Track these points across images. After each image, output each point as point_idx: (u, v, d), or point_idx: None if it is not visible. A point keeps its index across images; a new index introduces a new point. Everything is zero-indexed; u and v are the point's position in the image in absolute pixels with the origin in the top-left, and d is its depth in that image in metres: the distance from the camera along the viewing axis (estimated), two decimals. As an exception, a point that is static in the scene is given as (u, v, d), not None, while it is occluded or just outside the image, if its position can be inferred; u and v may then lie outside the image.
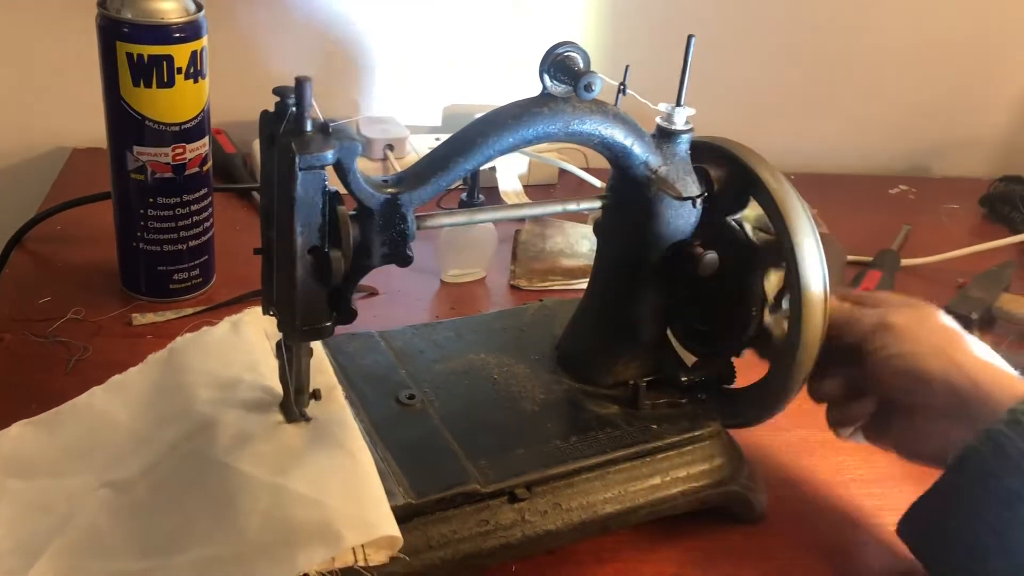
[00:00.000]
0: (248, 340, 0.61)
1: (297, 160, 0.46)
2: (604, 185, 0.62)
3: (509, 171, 0.99)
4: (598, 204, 0.60)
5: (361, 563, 0.48)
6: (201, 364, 0.59)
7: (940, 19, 1.14)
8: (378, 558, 0.49)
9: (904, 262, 0.95)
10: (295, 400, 0.54)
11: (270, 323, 0.60)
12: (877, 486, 0.66)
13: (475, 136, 0.52)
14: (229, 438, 0.53)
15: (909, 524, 0.56)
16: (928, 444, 0.56)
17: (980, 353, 0.56)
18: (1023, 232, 1.02)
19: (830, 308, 0.58)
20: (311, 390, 0.55)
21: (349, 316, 0.52)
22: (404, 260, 0.52)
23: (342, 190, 0.50)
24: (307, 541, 0.47)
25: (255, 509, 0.49)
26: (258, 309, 0.61)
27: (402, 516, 0.51)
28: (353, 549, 0.48)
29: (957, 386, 0.54)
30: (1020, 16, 1.16)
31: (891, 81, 1.17)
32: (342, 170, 0.48)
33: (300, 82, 0.46)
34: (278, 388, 0.56)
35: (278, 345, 0.54)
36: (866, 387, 0.60)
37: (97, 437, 0.57)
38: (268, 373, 0.58)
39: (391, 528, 0.49)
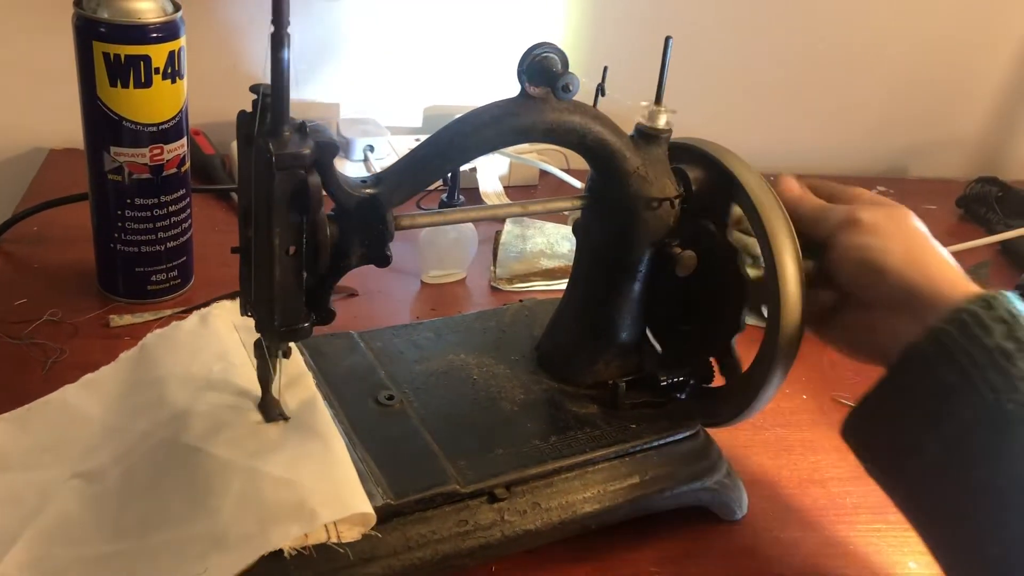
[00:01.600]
0: (217, 331, 0.61)
1: (274, 160, 0.46)
2: (584, 186, 0.62)
3: (490, 172, 1.00)
4: (578, 204, 0.60)
5: (334, 539, 0.49)
6: (172, 357, 0.60)
7: (917, 22, 1.15)
8: (351, 535, 0.49)
9: (882, 262, 0.96)
10: (269, 398, 0.54)
11: (238, 315, 0.61)
12: (854, 484, 0.67)
13: (453, 137, 0.52)
14: (202, 426, 0.54)
15: (852, 425, 0.55)
16: (877, 339, 0.55)
17: (942, 255, 0.56)
18: (999, 232, 1.04)
19: (802, 200, 0.58)
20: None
21: (327, 317, 0.52)
22: (383, 260, 0.52)
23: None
24: (281, 519, 0.48)
25: (229, 490, 0.49)
26: (226, 303, 0.63)
27: (381, 517, 0.51)
28: (326, 526, 0.48)
29: (911, 282, 0.53)
30: (996, 19, 1.18)
31: (869, 83, 1.18)
32: (320, 170, 0.48)
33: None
34: (247, 376, 0.57)
35: (256, 345, 0.54)
36: (826, 279, 0.59)
37: (69, 431, 0.57)
38: (237, 361, 0.59)
39: (364, 506, 0.50)
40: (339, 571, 0.49)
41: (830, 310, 0.60)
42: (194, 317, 0.63)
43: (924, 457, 0.50)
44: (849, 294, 0.58)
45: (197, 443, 0.53)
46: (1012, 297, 0.50)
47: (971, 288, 0.52)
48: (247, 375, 0.57)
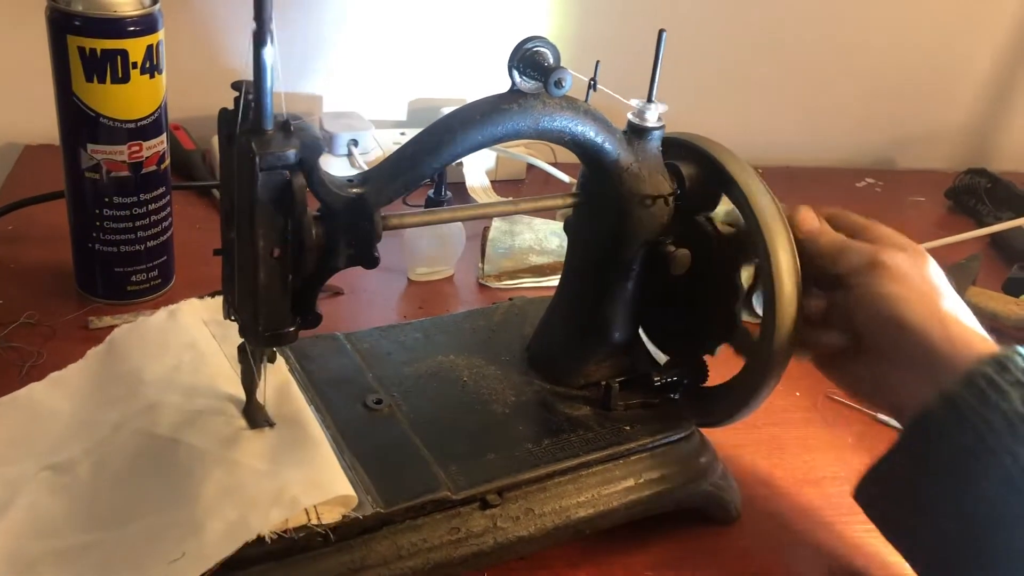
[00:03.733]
0: (185, 325, 0.61)
1: (258, 160, 0.44)
2: (572, 180, 0.61)
3: (477, 167, 0.98)
4: (569, 202, 0.59)
5: (314, 521, 0.48)
6: (141, 350, 0.59)
7: (904, 11, 1.15)
8: (331, 516, 0.49)
9: (872, 256, 0.95)
10: (254, 404, 0.53)
11: (207, 311, 0.62)
12: (849, 484, 0.65)
13: (443, 133, 0.51)
14: (177, 416, 0.53)
15: (865, 488, 0.54)
16: (885, 390, 0.55)
17: (961, 312, 0.55)
18: (989, 225, 1.03)
19: (820, 235, 0.57)
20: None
21: (314, 320, 0.50)
22: (371, 262, 0.50)
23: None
24: (262, 507, 0.47)
25: (208, 479, 0.49)
26: (195, 300, 0.63)
27: (371, 526, 0.50)
28: (306, 509, 0.48)
29: (932, 338, 0.52)
30: (983, 8, 1.17)
31: (856, 74, 1.17)
32: (305, 169, 0.47)
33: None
34: (217, 365, 0.56)
35: (239, 349, 0.52)
36: (842, 319, 0.57)
37: (37, 426, 0.56)
38: (208, 351, 0.58)
39: (344, 488, 0.49)
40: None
41: (839, 351, 0.58)
42: (162, 312, 0.62)
43: (941, 524, 0.50)
44: (862, 339, 0.56)
45: (173, 434, 0.52)
46: None
47: (988, 347, 0.51)
48: (218, 364, 0.57)
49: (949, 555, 0.50)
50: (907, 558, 0.53)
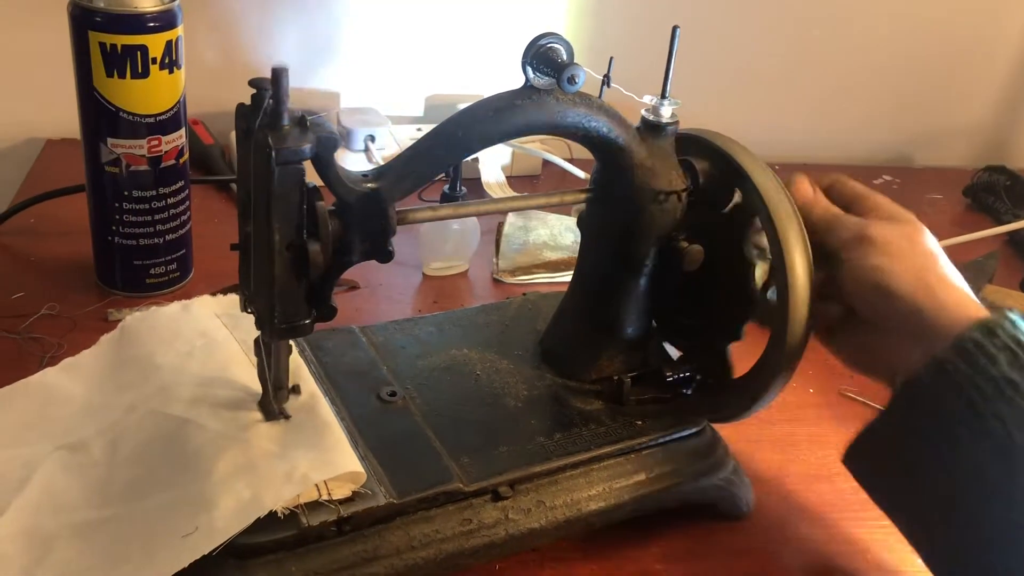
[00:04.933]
0: (197, 316, 0.62)
1: (274, 155, 0.45)
2: (588, 176, 0.61)
3: (492, 162, 0.98)
4: (582, 197, 0.59)
5: (324, 497, 0.49)
6: (154, 336, 0.60)
7: (923, 6, 1.14)
8: (341, 492, 0.50)
9: (888, 253, 0.95)
10: (274, 397, 0.53)
11: (219, 306, 0.62)
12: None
13: (456, 129, 0.51)
14: (189, 398, 0.54)
15: (855, 452, 0.55)
16: (882, 360, 0.55)
17: (952, 278, 0.55)
18: (1007, 223, 1.02)
19: (814, 206, 0.57)
20: (290, 385, 0.54)
21: (329, 313, 0.51)
22: (385, 256, 0.51)
23: (321, 183, 0.49)
24: (274, 485, 0.48)
25: (222, 458, 0.50)
26: (207, 297, 0.64)
27: (383, 516, 0.50)
28: (316, 485, 0.49)
29: (921, 306, 0.52)
30: (1001, 6, 1.16)
31: (874, 71, 1.17)
32: (320, 164, 0.47)
33: (276, 73, 0.44)
34: (229, 350, 0.57)
35: (256, 342, 0.53)
36: (835, 292, 0.58)
37: (51, 410, 0.57)
38: (219, 337, 0.59)
39: (353, 464, 0.50)
40: (342, 571, 0.49)
41: (837, 322, 0.59)
42: (175, 304, 0.63)
43: (932, 489, 0.50)
44: (857, 309, 0.57)
45: (186, 414, 0.53)
46: (1018, 321, 0.49)
47: (978, 312, 0.51)
48: (230, 351, 0.58)
49: (934, 517, 0.51)
50: (891, 516, 0.54)
